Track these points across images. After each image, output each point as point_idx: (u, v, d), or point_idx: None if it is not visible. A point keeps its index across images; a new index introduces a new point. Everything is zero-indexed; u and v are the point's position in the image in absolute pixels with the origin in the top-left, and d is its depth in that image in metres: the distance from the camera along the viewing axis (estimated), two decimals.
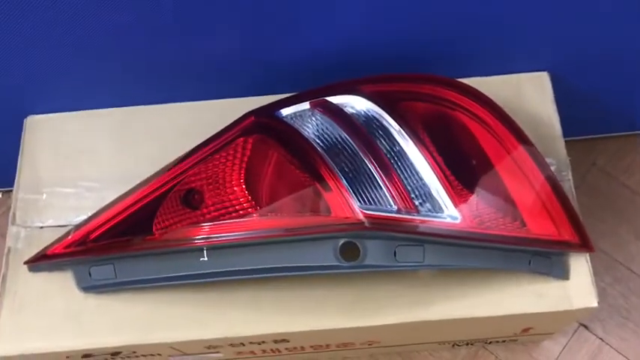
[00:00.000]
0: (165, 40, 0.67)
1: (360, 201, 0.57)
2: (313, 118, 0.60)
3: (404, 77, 0.63)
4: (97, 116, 0.74)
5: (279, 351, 0.74)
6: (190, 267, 0.61)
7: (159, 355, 0.71)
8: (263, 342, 0.68)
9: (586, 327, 0.87)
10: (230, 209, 0.60)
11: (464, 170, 0.59)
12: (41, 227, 0.68)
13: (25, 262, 0.65)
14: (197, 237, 0.58)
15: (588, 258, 0.63)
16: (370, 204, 0.57)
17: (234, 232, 0.58)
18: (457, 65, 0.73)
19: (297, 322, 0.63)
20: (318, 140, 0.59)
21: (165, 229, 0.60)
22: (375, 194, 0.57)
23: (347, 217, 0.56)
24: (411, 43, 0.70)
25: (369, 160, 0.58)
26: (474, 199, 0.59)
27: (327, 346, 0.75)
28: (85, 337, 0.63)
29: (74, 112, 0.75)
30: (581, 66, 0.77)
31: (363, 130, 0.59)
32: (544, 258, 0.61)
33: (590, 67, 0.78)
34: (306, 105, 0.61)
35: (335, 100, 0.61)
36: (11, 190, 0.71)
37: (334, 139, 0.59)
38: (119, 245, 0.61)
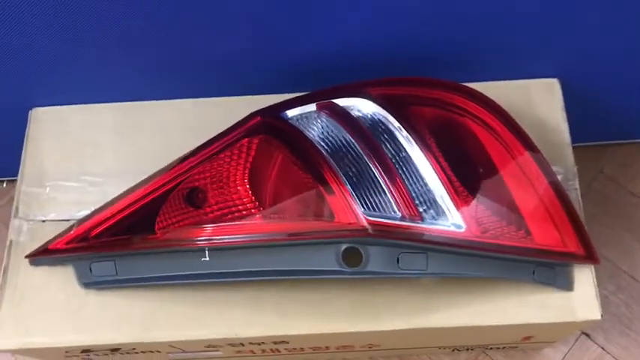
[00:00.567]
0: (172, 36, 0.67)
1: (363, 206, 0.56)
2: (319, 121, 0.60)
3: (412, 81, 0.62)
4: (102, 110, 0.74)
5: (279, 351, 0.74)
6: (192, 267, 0.60)
7: (158, 352, 0.71)
8: (262, 343, 0.67)
9: (588, 335, 0.86)
10: (233, 209, 0.60)
11: (470, 177, 0.59)
12: (43, 221, 0.68)
13: (27, 256, 0.65)
14: (199, 238, 0.58)
15: (593, 269, 0.62)
16: (374, 209, 0.56)
17: (236, 234, 0.58)
18: (466, 69, 0.72)
19: (297, 326, 0.62)
20: (323, 143, 0.58)
21: (167, 228, 0.60)
22: (379, 199, 0.57)
23: (350, 223, 0.55)
24: (419, 45, 0.70)
25: (374, 164, 0.57)
26: (479, 206, 0.58)
27: (327, 348, 0.75)
28: (85, 333, 0.63)
29: (79, 105, 0.74)
30: (591, 73, 0.76)
31: (369, 134, 0.58)
32: (548, 268, 0.60)
33: (600, 73, 0.77)
34: (312, 107, 0.61)
35: (342, 102, 0.60)
36: (15, 180, 0.71)
37: (339, 143, 0.58)
38: (120, 243, 0.61)
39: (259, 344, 0.68)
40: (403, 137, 0.58)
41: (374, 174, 0.57)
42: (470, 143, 0.60)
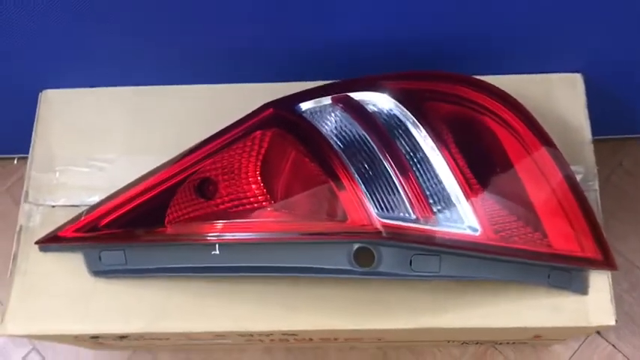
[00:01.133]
0: (187, 20, 0.65)
1: (377, 206, 0.55)
2: (333, 115, 0.58)
3: (431, 75, 0.60)
4: (114, 94, 0.73)
5: (288, 340, 0.74)
6: (202, 259, 0.60)
7: (167, 339, 0.71)
8: (271, 334, 0.67)
9: (599, 332, 0.86)
10: (245, 201, 0.59)
11: (487, 177, 0.57)
12: (53, 206, 0.68)
13: (36, 242, 0.65)
14: (210, 234, 0.57)
15: (609, 274, 0.61)
16: (387, 209, 0.55)
17: (247, 232, 0.57)
18: (487, 61, 0.70)
19: (304, 321, 0.62)
20: (336, 138, 0.57)
21: (177, 219, 0.59)
22: (392, 198, 0.55)
23: (364, 225, 0.54)
24: (438, 35, 0.68)
25: (388, 162, 0.56)
26: (495, 208, 0.56)
27: (335, 339, 0.74)
28: (93, 322, 0.63)
29: (90, 89, 0.73)
30: (614, 67, 0.73)
31: (384, 130, 0.57)
32: (564, 272, 0.59)
33: (623, 68, 0.74)
34: (327, 100, 0.59)
35: (357, 96, 0.59)
36: (26, 157, 0.71)
37: (354, 139, 0.57)
38: (130, 235, 0.60)
39: (268, 335, 0.68)
40: (419, 134, 0.57)
41: (388, 172, 0.56)
42: (488, 142, 0.58)
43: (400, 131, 0.57)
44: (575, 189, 0.58)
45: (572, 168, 0.60)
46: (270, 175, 0.58)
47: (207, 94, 0.72)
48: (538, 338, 0.74)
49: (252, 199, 0.58)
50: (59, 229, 0.64)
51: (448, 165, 0.56)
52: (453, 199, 0.56)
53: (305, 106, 0.59)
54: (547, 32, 0.67)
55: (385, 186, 0.56)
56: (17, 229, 0.67)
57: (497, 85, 0.60)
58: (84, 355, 0.90)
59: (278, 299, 0.63)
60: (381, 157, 0.56)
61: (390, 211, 0.55)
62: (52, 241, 0.64)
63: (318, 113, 0.59)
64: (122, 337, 0.67)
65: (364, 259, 0.56)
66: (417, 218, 0.55)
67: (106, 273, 0.63)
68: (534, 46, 0.68)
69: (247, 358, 0.88)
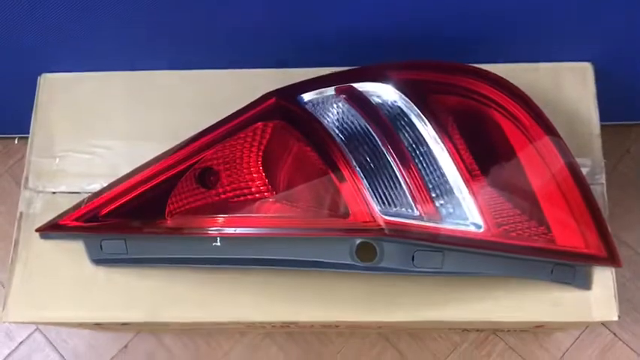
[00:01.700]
0: (188, 4, 0.64)
1: (379, 201, 0.54)
2: (336, 106, 0.57)
3: (436, 66, 0.59)
4: (114, 78, 0.71)
5: (289, 326, 0.74)
6: (203, 251, 0.59)
7: (168, 326, 0.71)
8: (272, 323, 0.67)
9: None
10: (246, 191, 0.58)
11: (492, 170, 0.56)
12: (54, 193, 0.67)
13: (37, 230, 0.65)
14: (211, 228, 0.57)
15: (613, 269, 0.60)
16: (390, 205, 0.54)
17: (249, 227, 0.56)
18: (494, 48, 0.69)
19: (305, 312, 0.62)
20: (338, 131, 0.56)
21: (178, 209, 0.59)
22: (395, 193, 0.54)
23: (366, 222, 0.54)
24: (444, 21, 0.66)
25: (391, 155, 0.55)
26: (499, 201, 0.56)
27: (337, 326, 0.75)
28: (94, 310, 0.63)
29: (89, 73, 0.72)
30: (625, 56, 0.72)
31: (388, 123, 0.56)
32: (567, 267, 0.59)
33: (633, 56, 0.73)
34: (330, 90, 0.58)
35: (361, 87, 0.57)
36: (26, 137, 0.70)
37: (357, 131, 0.56)
38: (130, 226, 0.60)
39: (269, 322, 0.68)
40: (423, 126, 0.56)
41: (390, 165, 0.55)
42: (493, 135, 0.57)
43: (404, 124, 0.56)
44: (582, 184, 0.57)
45: (579, 161, 0.59)
46: (272, 167, 0.57)
47: (209, 79, 0.71)
48: (540, 327, 0.73)
49: (254, 190, 0.58)
50: (60, 216, 0.64)
51: (452, 158, 0.55)
52: (457, 193, 0.55)
53: (308, 96, 0.58)
54: (558, 18, 0.65)
55: (388, 180, 0.55)
56: (17, 215, 0.66)
57: (505, 73, 0.59)
58: (86, 333, 0.91)
59: (279, 290, 0.62)
60: (384, 150, 0.55)
61: (393, 207, 0.54)
62: (52, 229, 0.64)
63: (321, 104, 0.57)
64: (125, 323, 0.67)
65: (366, 253, 0.55)
66: (420, 215, 0.54)
67: (107, 262, 0.63)
68: (546, 33, 0.66)
69: (248, 341, 0.88)
